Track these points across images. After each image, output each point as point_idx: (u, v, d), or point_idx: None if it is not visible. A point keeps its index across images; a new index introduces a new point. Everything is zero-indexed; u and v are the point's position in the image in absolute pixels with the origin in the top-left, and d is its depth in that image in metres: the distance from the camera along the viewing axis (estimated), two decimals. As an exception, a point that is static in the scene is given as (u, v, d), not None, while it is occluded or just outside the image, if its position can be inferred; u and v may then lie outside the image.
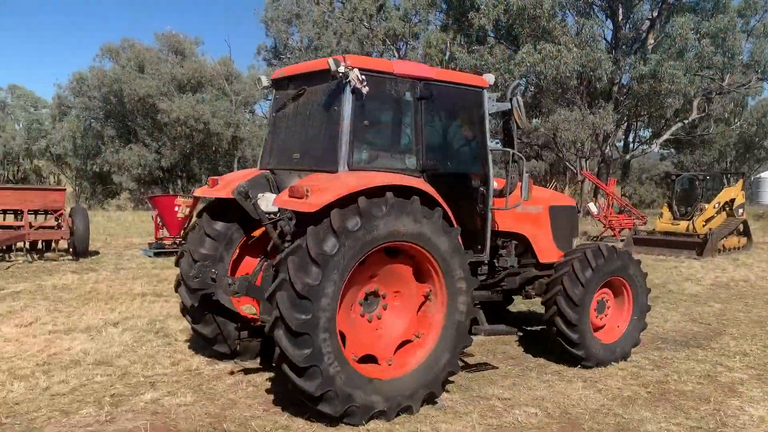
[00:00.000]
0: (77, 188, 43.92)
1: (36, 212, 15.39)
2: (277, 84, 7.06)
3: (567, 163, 36.05)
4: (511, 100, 7.09)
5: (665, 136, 34.94)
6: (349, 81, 5.89)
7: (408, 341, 6.16)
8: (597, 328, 7.60)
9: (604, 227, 22.61)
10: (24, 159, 52.40)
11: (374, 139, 6.53)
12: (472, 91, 6.87)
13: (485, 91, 6.94)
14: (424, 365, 5.96)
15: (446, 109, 6.90)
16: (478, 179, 6.93)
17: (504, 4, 28.71)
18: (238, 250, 7.07)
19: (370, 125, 6.25)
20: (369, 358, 5.98)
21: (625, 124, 36.35)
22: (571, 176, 39.62)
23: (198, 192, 7.43)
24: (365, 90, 5.92)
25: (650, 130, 39.04)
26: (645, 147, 37.12)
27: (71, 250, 15.41)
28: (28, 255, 15.12)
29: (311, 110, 6.49)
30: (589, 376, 7.16)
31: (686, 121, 33.99)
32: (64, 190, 16.26)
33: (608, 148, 33.42)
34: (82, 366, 7.06)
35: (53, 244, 15.64)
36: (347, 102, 5.92)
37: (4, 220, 15.80)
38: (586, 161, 34.39)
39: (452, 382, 6.68)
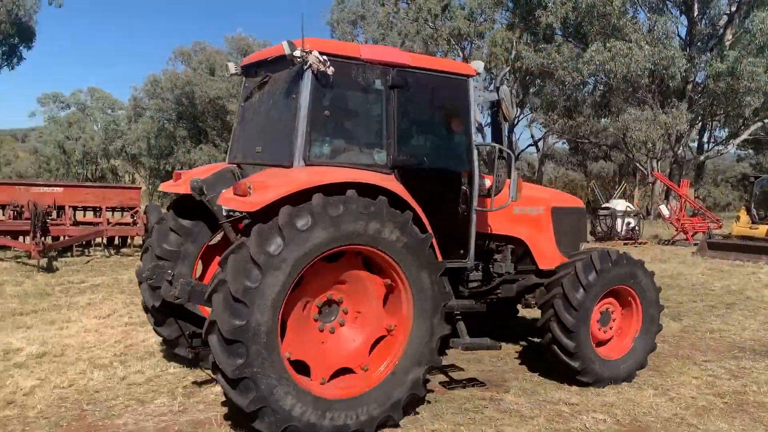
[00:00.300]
0: (150, 186, 45.63)
1: (113, 209, 16.09)
2: (247, 71, 6.50)
3: (637, 164, 35.04)
4: (498, 89, 6.51)
5: (743, 137, 33.46)
6: (309, 66, 5.34)
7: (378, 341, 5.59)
8: (600, 342, 6.93)
9: (677, 230, 21.86)
10: (101, 158, 54.83)
11: (337, 131, 5.91)
12: (456, 80, 6.23)
13: (471, 80, 6.31)
14: (383, 387, 5.30)
15: (424, 99, 6.18)
16: (460, 177, 6.25)
17: (572, 2, 28.16)
18: (204, 249, 6.67)
19: (332, 116, 5.67)
20: (341, 371, 5.42)
21: (700, 123, 34.95)
22: (641, 177, 38.42)
23: (162, 187, 6.94)
24: (330, 72, 5.36)
25: (727, 130, 37.39)
26: (720, 147, 35.61)
27: (145, 246, 16.01)
28: (106, 250, 15.86)
29: (274, 99, 5.95)
30: (660, 384, 6.94)
31: (766, 121, 32.44)
32: (140, 188, 17.01)
33: (681, 148, 32.28)
34: (156, 357, 7.34)
35: (129, 240, 16.37)
36: (305, 89, 5.35)
37: (84, 216, 16.58)
38: (657, 162, 33.32)
39: (482, 385, 6.66)
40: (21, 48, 41.08)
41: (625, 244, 20.49)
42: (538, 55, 29.83)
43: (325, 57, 5.36)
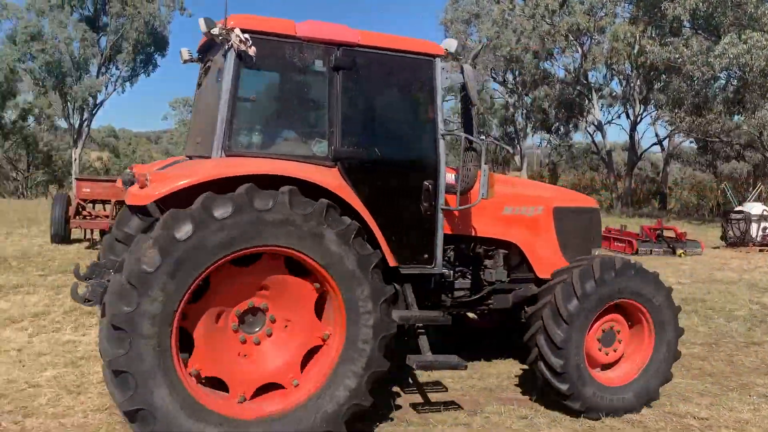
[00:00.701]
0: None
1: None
2: (199, 56, 5.88)
3: (775, 165, 32.34)
4: (462, 69, 5.66)
5: None
6: (231, 45, 4.81)
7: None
8: (601, 365, 6.00)
9: (822, 237, 19.97)
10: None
11: (268, 119, 5.40)
12: (418, 60, 5.49)
13: (438, 60, 5.55)
14: (315, 402, 4.72)
15: (378, 82, 5.48)
16: (422, 171, 5.50)
17: (703, -8, 26.46)
18: None
19: (261, 101, 5.20)
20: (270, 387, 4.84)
21: None
22: (779, 179, 35.45)
23: (117, 183, 6.50)
24: (252, 53, 4.79)
25: None
26: None
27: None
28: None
29: (209, 85, 5.42)
30: (803, 403, 6.36)
31: None
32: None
33: (828, 147, 29.47)
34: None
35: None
36: (227, 72, 4.84)
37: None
38: (798, 162, 30.60)
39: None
40: (156, 56, 44.07)
41: (761, 250, 19.06)
42: (664, 49, 28.24)
43: (247, 36, 4.80)
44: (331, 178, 4.92)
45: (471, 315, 7.63)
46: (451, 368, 5.58)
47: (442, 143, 5.55)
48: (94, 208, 16.37)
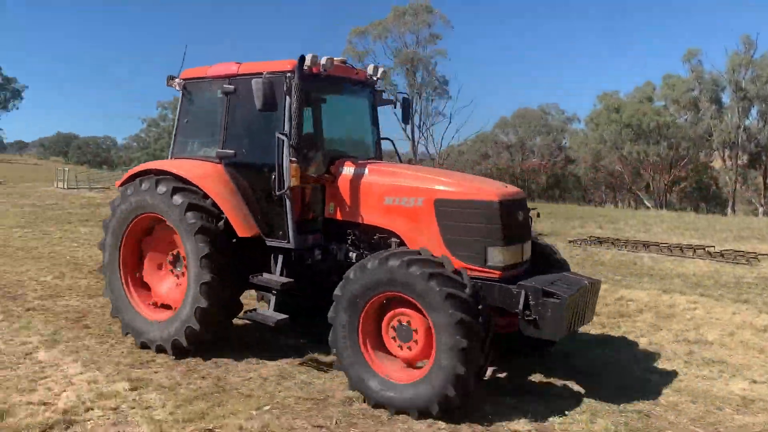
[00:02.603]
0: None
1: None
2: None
3: None
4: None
5: None
6: (177, 88, 8.00)
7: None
8: (405, 361, 5.98)
9: None
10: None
11: (196, 133, 8.00)
12: (271, 78, 6.63)
13: (288, 74, 6.73)
14: (174, 320, 7.21)
15: (248, 99, 6.80)
16: (272, 167, 6.88)
17: None
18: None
19: (191, 122, 7.93)
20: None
21: None
22: None
23: None
24: (183, 91, 7.99)
25: None
26: None
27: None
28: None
29: None
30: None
31: None
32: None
33: None
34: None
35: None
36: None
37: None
38: None
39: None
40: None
41: None
42: None
43: (181, 81, 7.84)
44: (201, 171, 7.26)
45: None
46: (267, 324, 6.78)
47: (285, 143, 6.64)
48: None
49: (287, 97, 6.67)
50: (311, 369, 7.04)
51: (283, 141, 6.65)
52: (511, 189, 6.55)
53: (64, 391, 6.27)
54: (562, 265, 6.85)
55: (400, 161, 8.39)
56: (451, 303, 5.41)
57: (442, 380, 5.48)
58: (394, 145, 8.31)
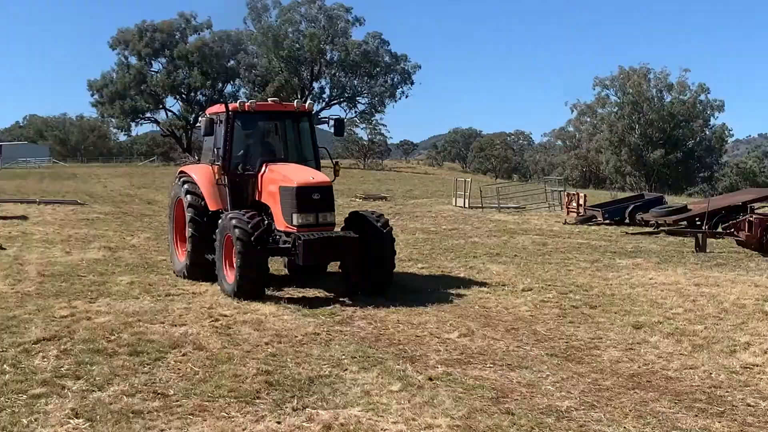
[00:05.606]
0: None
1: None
2: None
3: None
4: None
5: None
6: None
7: None
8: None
9: None
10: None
11: (215, 148, 11.65)
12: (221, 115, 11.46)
13: (229, 113, 11.10)
14: None
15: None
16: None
17: None
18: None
19: (213, 141, 11.84)
20: None
21: None
22: None
23: None
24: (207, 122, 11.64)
25: None
26: None
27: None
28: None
29: None
30: None
31: None
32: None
33: None
34: None
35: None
36: None
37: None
38: None
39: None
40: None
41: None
42: None
43: (208, 115, 12.05)
44: (198, 170, 11.68)
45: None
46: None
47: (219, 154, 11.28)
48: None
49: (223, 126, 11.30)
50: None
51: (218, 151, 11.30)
52: (318, 178, 10.35)
53: None
54: (377, 230, 10.27)
55: (333, 165, 11.69)
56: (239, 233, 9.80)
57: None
58: (328, 151, 12.61)
